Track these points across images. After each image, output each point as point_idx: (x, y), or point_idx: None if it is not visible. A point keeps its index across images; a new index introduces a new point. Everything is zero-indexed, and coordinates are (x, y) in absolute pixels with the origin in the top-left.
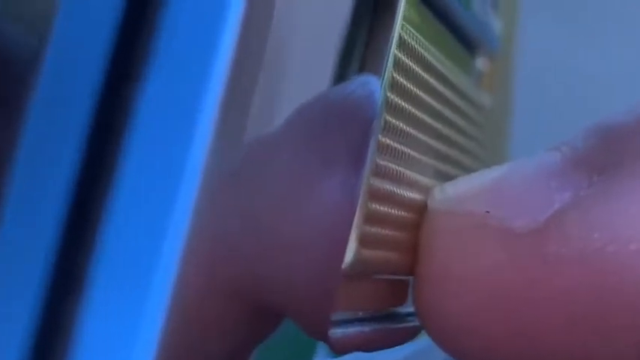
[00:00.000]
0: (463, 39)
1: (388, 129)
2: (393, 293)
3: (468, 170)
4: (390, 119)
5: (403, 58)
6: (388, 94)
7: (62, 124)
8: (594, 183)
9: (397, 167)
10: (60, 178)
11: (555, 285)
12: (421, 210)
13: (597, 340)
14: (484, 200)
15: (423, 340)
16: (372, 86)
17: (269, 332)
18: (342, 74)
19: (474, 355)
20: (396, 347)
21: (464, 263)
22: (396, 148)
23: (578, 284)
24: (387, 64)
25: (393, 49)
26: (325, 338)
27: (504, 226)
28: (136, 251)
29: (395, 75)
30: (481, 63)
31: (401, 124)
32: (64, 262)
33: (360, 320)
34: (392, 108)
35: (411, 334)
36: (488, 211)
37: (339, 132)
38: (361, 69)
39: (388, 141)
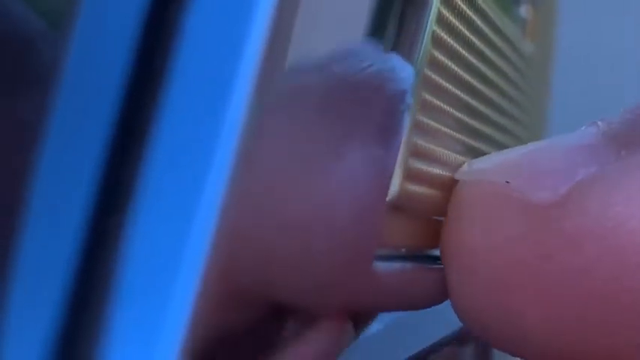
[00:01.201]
0: None
1: (426, 95)
2: (432, 234)
3: (509, 129)
4: (429, 74)
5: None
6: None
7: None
8: (621, 157)
9: (431, 145)
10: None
11: (572, 261)
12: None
13: (613, 320)
14: (506, 171)
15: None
16: (395, 62)
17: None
18: (377, 33)
19: (498, 334)
20: None
21: (482, 236)
22: (432, 117)
23: (596, 261)
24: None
25: None
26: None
27: (524, 197)
28: (162, 247)
29: (442, 10)
30: (525, 11)
31: (440, 80)
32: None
33: (402, 258)
34: (431, 61)
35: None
36: (508, 182)
37: (358, 105)
38: (400, 22)
39: (423, 118)
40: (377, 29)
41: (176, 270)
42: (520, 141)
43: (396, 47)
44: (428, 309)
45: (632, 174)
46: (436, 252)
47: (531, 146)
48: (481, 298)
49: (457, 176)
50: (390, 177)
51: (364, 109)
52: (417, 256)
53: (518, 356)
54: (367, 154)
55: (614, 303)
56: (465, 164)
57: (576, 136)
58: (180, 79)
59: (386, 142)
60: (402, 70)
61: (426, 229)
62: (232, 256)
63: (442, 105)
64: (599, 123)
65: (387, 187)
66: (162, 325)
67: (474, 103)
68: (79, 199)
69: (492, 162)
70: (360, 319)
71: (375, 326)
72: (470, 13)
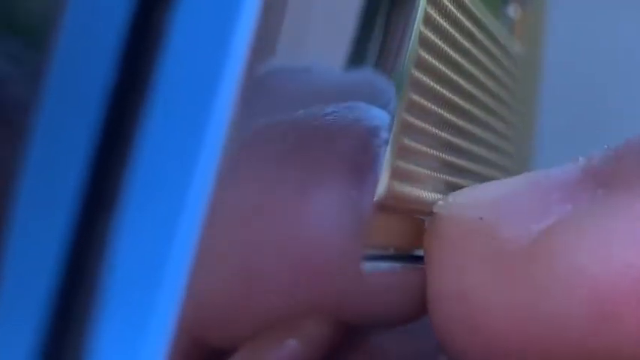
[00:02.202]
0: None
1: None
2: (421, 233)
3: (498, 129)
4: (418, 75)
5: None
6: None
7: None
8: (597, 197)
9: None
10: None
11: (543, 309)
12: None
13: None
14: (482, 207)
15: None
16: (360, 111)
17: None
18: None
19: None
20: None
21: (454, 281)
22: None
23: (564, 309)
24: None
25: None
26: None
27: (496, 235)
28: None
29: (429, 10)
30: (513, 10)
31: (428, 81)
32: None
33: (393, 257)
34: (421, 64)
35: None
36: (481, 218)
37: (324, 147)
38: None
39: (412, 119)
40: (363, 30)
41: (161, 275)
42: (507, 140)
43: (383, 48)
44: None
45: (602, 219)
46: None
47: (512, 180)
48: (459, 340)
49: (435, 209)
50: (365, 217)
51: (331, 150)
52: (406, 256)
53: None
54: (338, 194)
55: (588, 355)
56: (446, 197)
57: (556, 172)
58: (164, 88)
59: (359, 180)
60: (370, 111)
61: (415, 228)
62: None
63: (429, 105)
64: (580, 158)
65: (362, 230)
66: (147, 331)
67: (461, 103)
68: (64, 201)
69: (469, 196)
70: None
71: None
72: (457, 13)
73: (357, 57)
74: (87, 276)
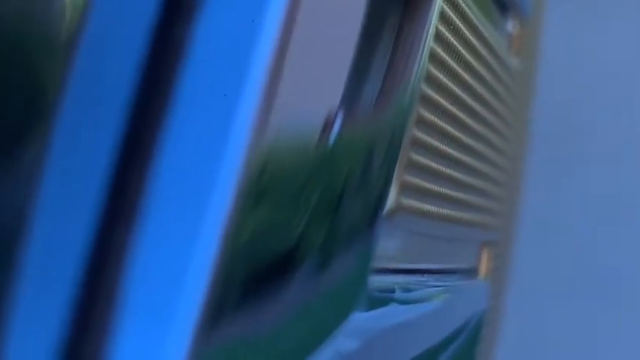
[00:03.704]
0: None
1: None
2: (427, 247)
3: (496, 144)
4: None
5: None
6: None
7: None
8: None
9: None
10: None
11: None
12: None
13: None
14: None
15: (448, 299)
16: None
17: None
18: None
19: None
20: (426, 302)
21: None
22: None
23: None
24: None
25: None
26: None
27: None
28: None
29: (439, 27)
30: (511, 26)
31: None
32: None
33: (400, 271)
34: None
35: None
36: None
37: None
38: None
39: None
40: (371, 42)
41: (183, 278)
42: (504, 155)
43: (392, 61)
44: (414, 324)
45: None
46: (430, 265)
47: None
48: None
49: None
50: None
51: None
52: (412, 269)
53: None
54: None
55: None
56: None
57: None
58: (184, 99)
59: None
60: None
61: (422, 242)
62: None
63: (436, 120)
64: None
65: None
66: (168, 333)
67: (466, 119)
68: (88, 202)
69: None
70: None
71: (355, 343)
72: (465, 30)
73: (365, 69)
74: (107, 279)
